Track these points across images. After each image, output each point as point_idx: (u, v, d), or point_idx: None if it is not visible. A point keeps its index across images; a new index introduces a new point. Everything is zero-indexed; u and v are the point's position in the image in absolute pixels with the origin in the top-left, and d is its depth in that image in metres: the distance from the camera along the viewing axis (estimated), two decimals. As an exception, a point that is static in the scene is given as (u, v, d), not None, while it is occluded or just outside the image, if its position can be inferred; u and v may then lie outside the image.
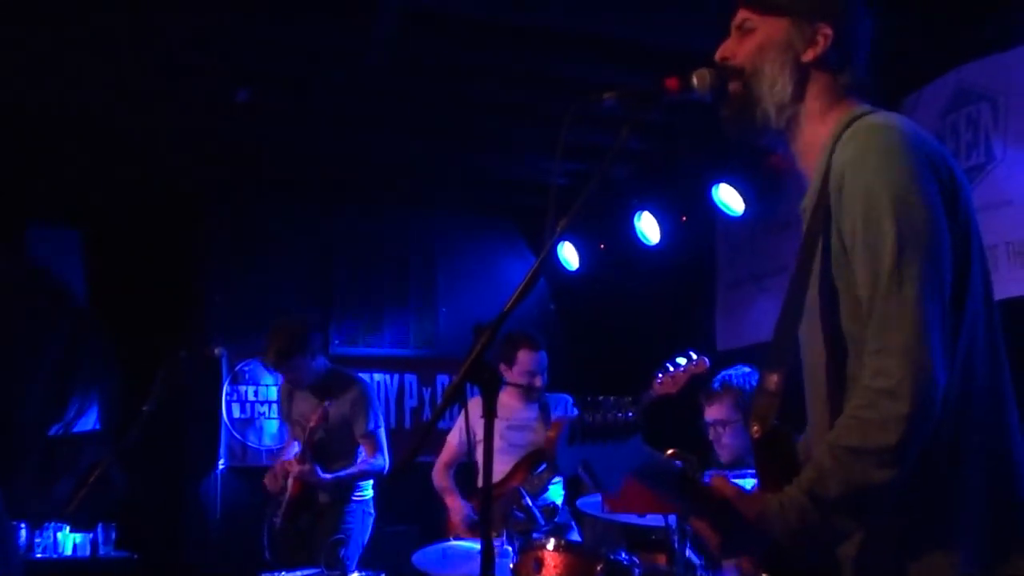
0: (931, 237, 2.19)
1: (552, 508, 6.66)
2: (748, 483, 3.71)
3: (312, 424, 6.93)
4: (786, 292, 2.42)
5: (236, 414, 9.47)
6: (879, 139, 2.29)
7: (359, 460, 7.18)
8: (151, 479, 8.53)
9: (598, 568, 4.96)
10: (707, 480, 2.33)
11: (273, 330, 7.09)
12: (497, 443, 6.61)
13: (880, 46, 2.61)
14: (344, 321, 9.96)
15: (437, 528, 7.08)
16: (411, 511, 7.49)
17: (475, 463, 6.62)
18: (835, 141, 2.39)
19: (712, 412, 5.38)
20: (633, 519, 5.26)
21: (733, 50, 2.59)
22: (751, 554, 2.32)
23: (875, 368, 2.15)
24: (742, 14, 2.59)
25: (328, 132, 8.30)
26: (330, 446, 7.11)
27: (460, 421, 7.29)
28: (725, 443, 5.33)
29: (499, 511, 6.19)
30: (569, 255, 9.37)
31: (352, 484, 7.17)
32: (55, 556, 7.65)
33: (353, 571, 6.12)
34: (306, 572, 6.14)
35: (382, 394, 9.86)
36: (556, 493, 6.76)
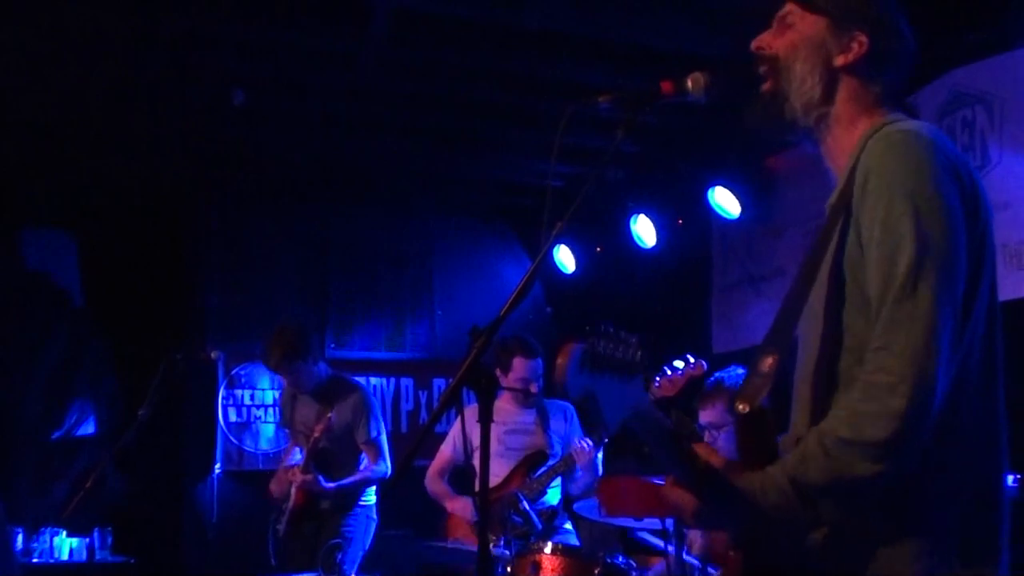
0: (949, 245, 2.19)
1: (551, 512, 6.66)
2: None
3: (316, 435, 6.92)
4: (794, 280, 2.43)
5: (232, 418, 9.46)
6: (905, 145, 2.30)
7: (362, 468, 7.18)
8: (148, 483, 8.55)
9: (595, 571, 4.97)
10: (695, 446, 2.34)
11: (275, 334, 7.09)
12: (495, 447, 6.66)
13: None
14: (340, 324, 9.96)
15: (434, 532, 7.08)
16: (408, 515, 7.48)
17: (472, 467, 6.62)
18: (863, 145, 2.39)
19: (706, 415, 5.38)
20: (630, 522, 5.27)
21: (769, 41, 2.61)
22: (725, 528, 2.33)
23: (877, 364, 2.15)
24: (788, 7, 2.60)
25: (324, 135, 8.30)
26: (333, 454, 7.12)
27: (455, 429, 7.30)
28: (720, 445, 5.32)
29: (497, 515, 6.19)
30: (565, 258, 9.37)
31: (356, 491, 7.17)
32: (52, 561, 7.64)
33: (351, 575, 6.13)
34: (304, 576, 6.16)
35: (378, 398, 9.84)
36: (554, 496, 6.76)
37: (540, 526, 6.29)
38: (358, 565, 6.99)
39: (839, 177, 2.51)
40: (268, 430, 9.48)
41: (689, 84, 2.60)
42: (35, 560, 7.59)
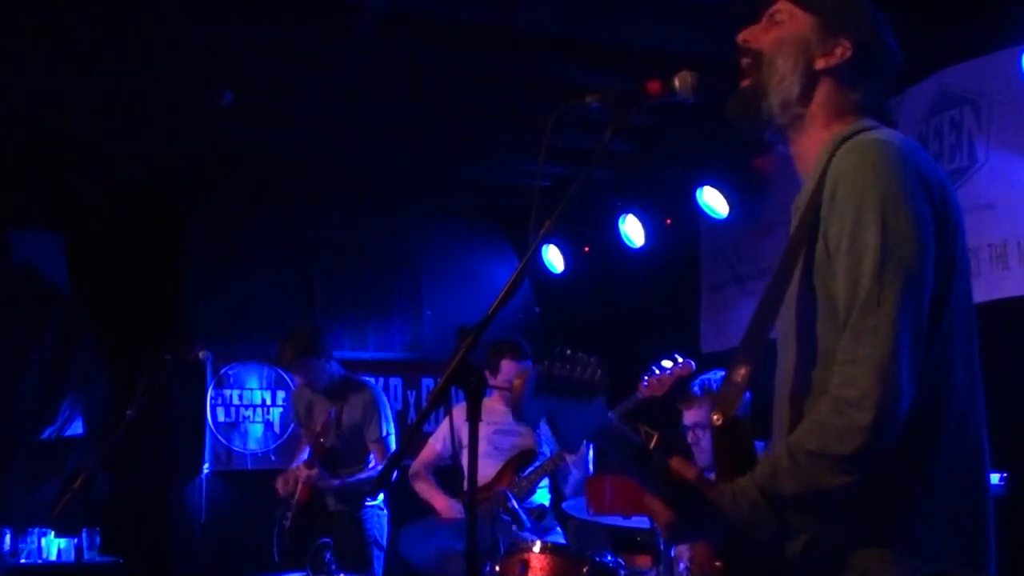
0: (916, 255, 2.21)
1: (540, 511, 6.66)
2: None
3: (318, 429, 6.98)
4: (765, 289, 2.44)
5: (221, 418, 9.45)
6: (876, 153, 2.31)
7: (369, 466, 7.23)
8: (136, 483, 8.52)
9: (584, 570, 4.98)
10: (668, 460, 2.34)
11: (290, 333, 7.22)
12: (484, 447, 6.67)
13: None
14: (328, 324, 9.95)
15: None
16: (394, 513, 7.48)
17: (460, 466, 6.62)
18: (834, 149, 2.40)
19: (691, 416, 5.40)
20: (619, 521, 5.28)
21: (756, 35, 2.62)
22: (701, 539, 2.34)
23: (843, 377, 2.17)
24: (780, 4, 2.62)
25: (311, 135, 8.30)
26: (342, 451, 7.19)
27: (443, 427, 7.30)
28: (704, 446, 5.34)
29: (486, 514, 6.19)
30: (554, 258, 9.37)
31: (363, 490, 7.19)
32: (40, 561, 7.64)
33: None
34: (294, 575, 6.16)
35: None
36: (543, 496, 6.76)
37: (529, 524, 6.30)
38: (382, 563, 7.05)
39: (807, 179, 2.53)
40: (256, 430, 9.47)
41: (677, 84, 2.62)
42: (23, 560, 7.58)
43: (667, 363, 6.06)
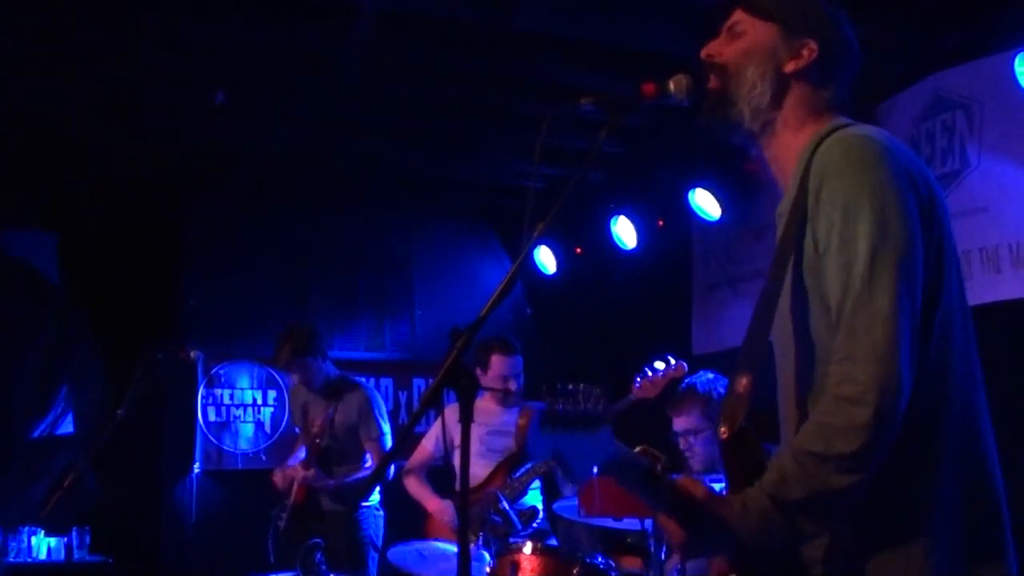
0: (905, 248, 2.21)
1: (531, 512, 6.64)
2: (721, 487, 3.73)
3: (315, 430, 7.00)
4: (759, 295, 2.43)
5: (212, 418, 9.44)
6: (860, 149, 2.31)
7: (366, 466, 7.27)
8: (126, 483, 8.49)
9: (574, 571, 4.97)
10: (675, 479, 2.33)
11: (286, 332, 7.25)
12: (476, 447, 6.67)
13: (859, 50, 2.64)
14: (319, 324, 9.94)
15: (413, 532, 7.07)
16: (387, 515, 7.48)
17: (452, 467, 6.63)
18: (813, 149, 2.41)
19: (680, 423, 5.37)
20: (609, 523, 5.27)
21: (720, 50, 2.62)
22: (717, 554, 2.33)
23: (841, 375, 2.17)
24: (736, 15, 2.62)
25: (304, 135, 8.30)
26: (337, 452, 7.21)
27: (435, 427, 7.30)
28: (697, 451, 5.32)
29: (477, 515, 6.19)
30: (546, 259, 9.37)
31: (359, 491, 7.21)
32: (29, 560, 7.62)
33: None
34: (285, 575, 6.15)
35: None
36: (535, 497, 6.76)
37: (520, 526, 6.29)
38: (377, 564, 7.06)
39: (786, 183, 2.54)
40: (247, 429, 9.46)
41: (672, 86, 2.61)
42: (12, 559, 7.56)
43: (660, 365, 6.06)
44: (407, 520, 7.19)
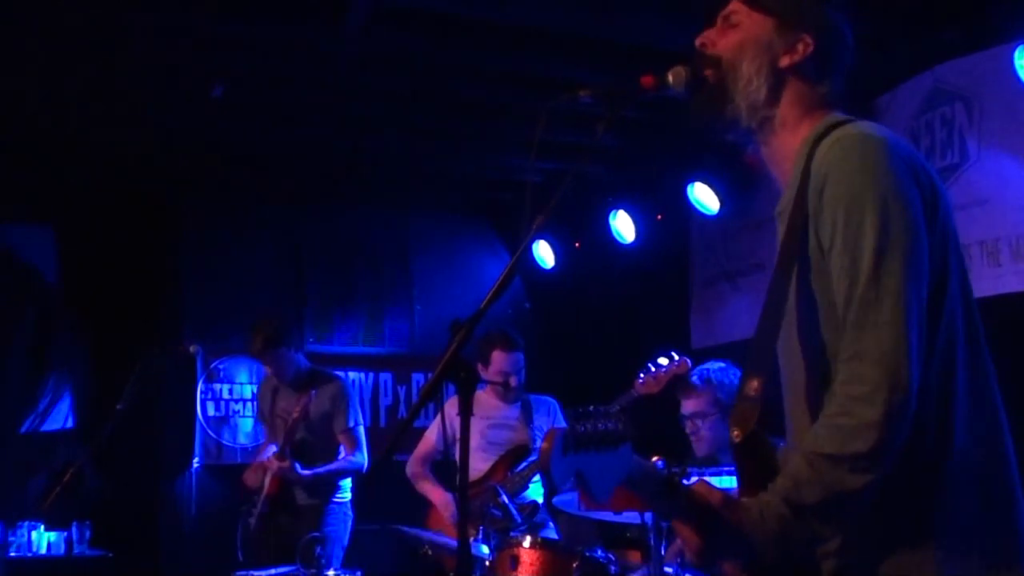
0: (910, 244, 2.19)
1: (532, 506, 6.65)
2: (725, 481, 3.72)
3: (295, 416, 6.96)
4: (765, 297, 2.40)
5: (211, 412, 9.44)
6: (862, 147, 2.29)
7: (340, 458, 7.22)
8: (126, 477, 8.50)
9: (574, 565, 4.98)
10: (690, 481, 2.32)
11: (257, 322, 7.22)
12: (477, 441, 6.67)
13: (856, 45, 2.62)
14: (319, 318, 9.95)
15: (414, 526, 7.08)
16: (388, 509, 7.47)
17: (452, 461, 6.62)
18: (813, 146, 2.38)
19: (690, 405, 5.39)
20: (609, 516, 5.27)
21: (714, 40, 2.59)
22: (732, 559, 2.31)
23: (849, 374, 2.15)
24: (732, 5, 2.59)
25: (301, 129, 8.29)
26: (311, 444, 7.15)
27: (438, 420, 7.28)
28: (703, 435, 5.33)
29: (476, 509, 6.19)
30: (544, 253, 9.36)
31: (332, 484, 7.21)
32: (29, 555, 7.62)
33: (330, 570, 6.13)
34: (282, 570, 6.14)
35: (357, 392, 9.83)
36: (536, 491, 6.75)
37: (520, 520, 6.29)
38: (340, 561, 7.01)
39: (786, 181, 2.51)
40: (246, 424, 9.46)
41: (670, 78, 2.59)
42: (13, 554, 7.56)
43: (663, 361, 6.07)
44: (410, 514, 7.19)
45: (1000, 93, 5.57)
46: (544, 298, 10.20)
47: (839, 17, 2.57)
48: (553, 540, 5.90)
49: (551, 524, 6.84)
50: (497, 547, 5.29)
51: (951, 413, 2.24)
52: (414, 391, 10.10)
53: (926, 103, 6.03)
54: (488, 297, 2.46)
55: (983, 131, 5.71)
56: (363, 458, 7.17)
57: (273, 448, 7.29)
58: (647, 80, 2.61)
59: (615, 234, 8.51)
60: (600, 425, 2.17)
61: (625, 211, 8.43)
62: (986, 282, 5.45)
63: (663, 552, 4.74)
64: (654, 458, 3.50)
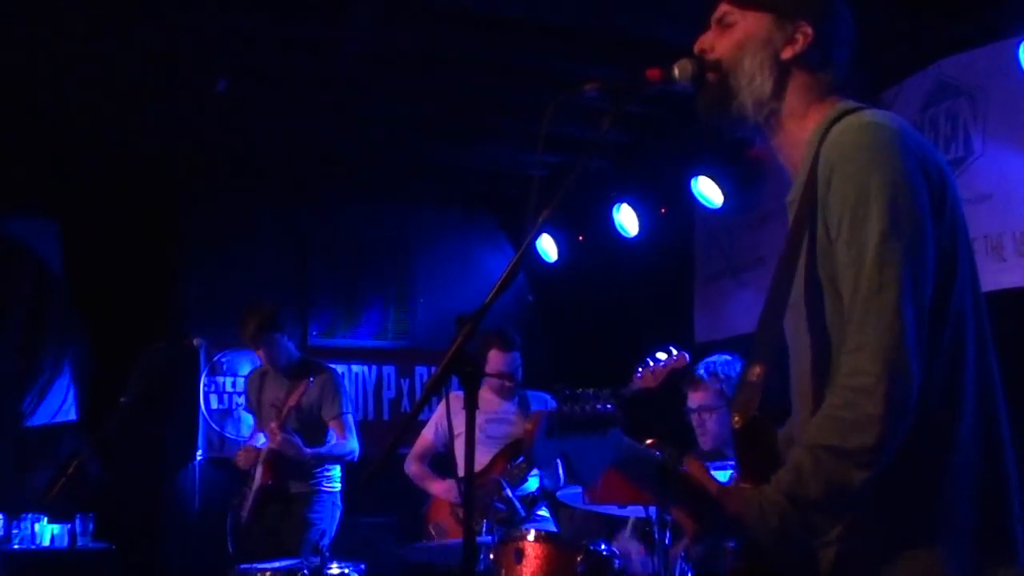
0: (916, 236, 2.17)
1: (532, 499, 6.67)
2: (726, 475, 3.72)
3: (292, 403, 6.93)
4: (771, 283, 2.39)
5: (214, 405, 9.45)
6: (870, 136, 2.27)
7: (330, 443, 7.24)
8: (129, 470, 8.53)
9: (578, 559, 4.99)
10: (685, 471, 2.31)
11: (249, 309, 7.25)
12: (476, 435, 6.66)
13: (861, 39, 2.61)
14: (322, 312, 9.95)
15: (416, 519, 7.09)
16: (389, 502, 7.49)
17: (454, 456, 6.63)
18: (823, 135, 2.36)
19: (696, 398, 5.39)
20: (614, 510, 5.28)
21: (712, 43, 2.57)
22: (728, 538, 2.30)
23: (851, 366, 2.14)
24: (723, 8, 2.56)
25: (305, 123, 8.29)
26: (299, 433, 7.10)
27: (437, 414, 7.30)
28: (709, 429, 5.33)
29: (480, 501, 6.20)
30: (548, 247, 9.36)
31: (323, 472, 7.20)
32: (33, 547, 7.62)
33: (333, 564, 6.13)
34: (285, 563, 6.14)
35: (360, 385, 9.86)
36: (534, 483, 6.77)
37: (523, 512, 6.31)
38: (328, 551, 7.02)
39: (796, 171, 2.49)
40: (249, 417, 9.43)
41: (676, 72, 2.57)
42: (16, 546, 7.58)
43: (662, 355, 6.07)
44: (411, 507, 7.19)
45: (1005, 88, 5.56)
46: (547, 291, 10.20)
47: (836, 1, 2.56)
48: (557, 533, 5.91)
49: (549, 516, 6.84)
50: (501, 541, 5.30)
51: (956, 410, 2.23)
52: (417, 384, 10.09)
53: (931, 98, 6.02)
54: (493, 291, 2.45)
55: (988, 126, 5.70)
56: (355, 444, 7.18)
57: (261, 437, 7.29)
58: (653, 73, 2.60)
59: (619, 228, 8.51)
60: (589, 408, 2.16)
61: (629, 205, 8.41)
62: (990, 276, 5.44)
63: (668, 544, 4.75)
64: (648, 441, 3.49)
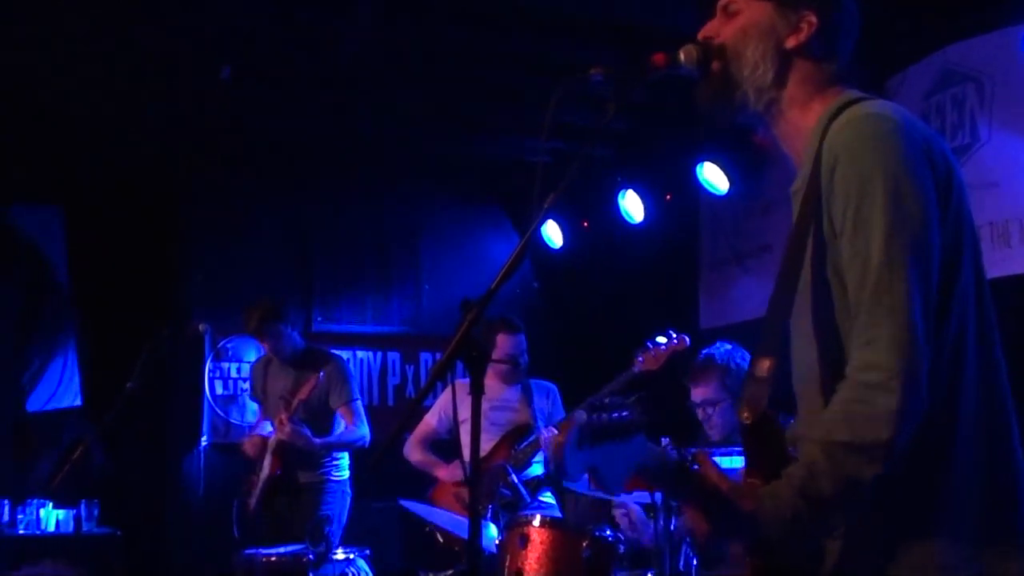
0: (922, 228, 2.16)
1: (536, 483, 6.69)
2: (736, 461, 3.72)
3: (303, 396, 6.93)
4: (776, 277, 2.37)
5: (219, 391, 9.47)
6: (875, 127, 2.25)
7: (338, 431, 7.27)
8: (134, 455, 8.55)
9: (584, 544, 4.99)
10: (700, 472, 2.30)
11: (253, 302, 7.27)
12: (480, 422, 6.69)
13: (866, 26, 2.60)
14: (326, 297, 9.95)
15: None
16: (394, 487, 7.48)
17: (458, 441, 6.64)
18: (826, 126, 2.35)
19: (699, 393, 5.33)
20: (619, 495, 5.28)
21: (716, 30, 2.55)
22: (740, 541, 2.30)
23: (864, 361, 2.12)
24: None
25: (311, 111, 8.29)
26: (307, 423, 7.12)
27: (442, 400, 7.31)
28: (715, 422, 5.28)
29: (485, 487, 6.21)
30: (553, 233, 9.35)
31: (332, 461, 7.21)
32: (38, 532, 7.65)
33: (338, 549, 6.15)
34: (290, 548, 6.15)
35: (365, 372, 9.87)
36: (538, 468, 6.79)
37: (528, 498, 6.33)
38: (339, 539, 7.03)
39: (799, 160, 2.48)
40: (254, 403, 9.49)
41: (682, 57, 2.56)
42: (21, 531, 7.60)
43: (662, 339, 6.10)
44: (415, 491, 7.20)
45: (1011, 74, 5.56)
46: (552, 278, 10.20)
47: None
48: (562, 519, 5.92)
49: (553, 502, 6.85)
50: (506, 526, 5.30)
51: (958, 403, 2.22)
52: (422, 370, 10.10)
53: (937, 84, 6.01)
54: (499, 277, 2.45)
55: (994, 112, 5.69)
56: (365, 430, 7.20)
57: (267, 425, 7.30)
58: (658, 58, 2.59)
59: (624, 214, 8.50)
60: (615, 415, 2.17)
61: (634, 191, 8.41)
62: (995, 263, 5.43)
63: (673, 530, 4.75)
64: (664, 443, 3.49)
